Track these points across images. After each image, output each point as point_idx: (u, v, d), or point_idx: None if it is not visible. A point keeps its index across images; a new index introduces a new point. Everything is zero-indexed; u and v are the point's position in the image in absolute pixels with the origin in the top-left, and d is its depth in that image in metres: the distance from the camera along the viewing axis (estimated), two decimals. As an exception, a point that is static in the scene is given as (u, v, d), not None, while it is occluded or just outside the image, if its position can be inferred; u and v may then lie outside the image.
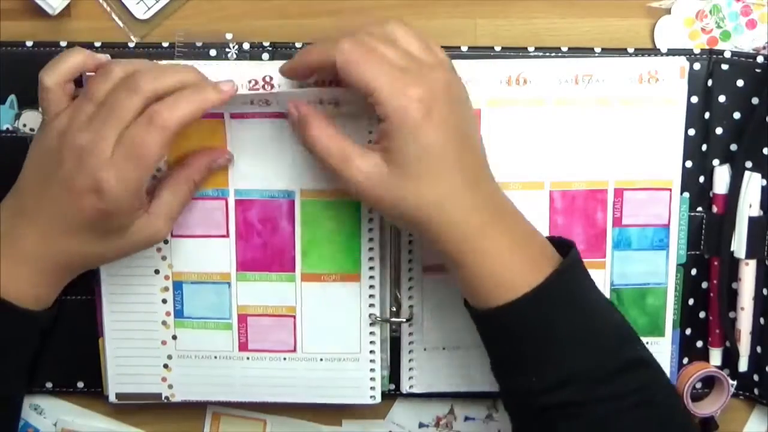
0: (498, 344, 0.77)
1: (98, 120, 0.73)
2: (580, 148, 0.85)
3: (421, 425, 0.93)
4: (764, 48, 0.88)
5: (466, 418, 0.93)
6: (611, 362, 0.73)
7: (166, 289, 0.86)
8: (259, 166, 0.83)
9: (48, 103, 0.76)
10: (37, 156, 0.77)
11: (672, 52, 0.86)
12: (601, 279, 0.87)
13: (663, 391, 0.76)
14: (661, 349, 0.88)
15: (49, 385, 0.90)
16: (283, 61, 0.82)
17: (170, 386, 0.88)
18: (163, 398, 0.88)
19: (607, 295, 0.87)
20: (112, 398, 0.88)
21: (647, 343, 0.85)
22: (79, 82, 0.78)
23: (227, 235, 0.85)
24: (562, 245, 0.77)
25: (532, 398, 0.74)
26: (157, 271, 0.85)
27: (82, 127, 0.73)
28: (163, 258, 0.85)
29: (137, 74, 0.74)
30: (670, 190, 0.86)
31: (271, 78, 0.82)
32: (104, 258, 0.80)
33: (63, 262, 0.77)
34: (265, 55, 0.85)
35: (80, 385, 0.90)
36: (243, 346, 0.86)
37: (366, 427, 0.93)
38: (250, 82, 0.82)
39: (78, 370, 0.89)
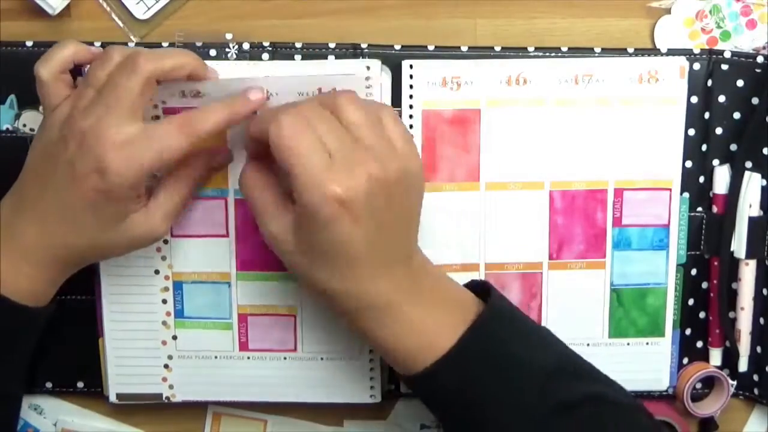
0: (431, 407, 0.78)
1: (100, 103, 0.73)
2: (580, 148, 0.85)
3: (422, 427, 0.93)
4: (764, 48, 0.88)
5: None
6: (540, 410, 0.72)
7: (166, 289, 0.86)
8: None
9: (46, 96, 0.76)
10: (39, 148, 0.76)
11: (672, 52, 0.86)
12: (601, 279, 0.87)
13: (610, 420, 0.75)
14: (661, 350, 0.88)
15: (49, 385, 0.90)
16: (284, 61, 0.83)
17: (171, 386, 0.87)
18: (163, 398, 0.88)
19: (607, 295, 0.87)
20: (112, 399, 0.88)
21: (647, 343, 0.86)
22: (79, 72, 0.78)
23: (227, 235, 0.85)
24: (484, 290, 0.77)
25: None
26: (157, 272, 0.85)
27: (84, 111, 0.73)
28: (163, 258, 0.85)
29: (136, 55, 0.73)
30: (670, 190, 0.86)
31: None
32: (102, 252, 0.79)
33: (61, 255, 0.76)
34: (265, 55, 0.85)
35: (80, 385, 0.90)
36: (243, 346, 0.86)
37: (368, 428, 0.93)
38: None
39: (78, 370, 0.89)
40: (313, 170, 0.68)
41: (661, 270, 0.87)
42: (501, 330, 0.75)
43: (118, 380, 0.88)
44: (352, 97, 0.73)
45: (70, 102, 0.75)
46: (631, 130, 0.84)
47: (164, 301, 0.86)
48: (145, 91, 0.73)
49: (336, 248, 0.70)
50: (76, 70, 0.78)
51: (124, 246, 0.78)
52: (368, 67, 0.81)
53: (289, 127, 0.69)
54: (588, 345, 0.88)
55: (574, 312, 0.87)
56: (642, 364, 0.88)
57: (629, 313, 0.87)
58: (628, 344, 0.88)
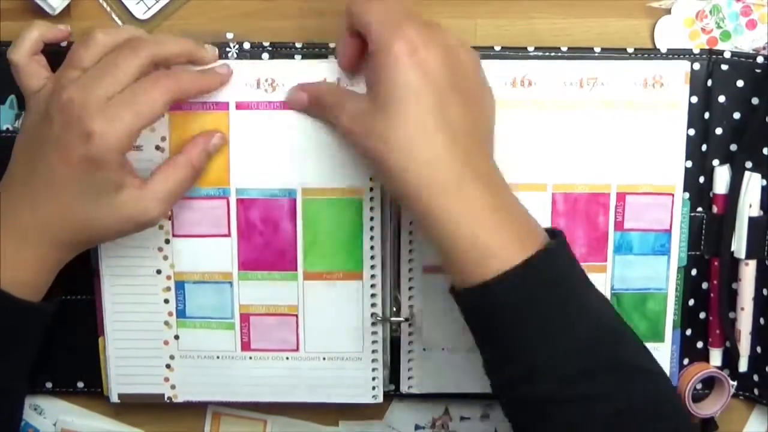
0: (480, 329, 0.73)
1: (90, 77, 0.73)
2: (583, 151, 0.85)
3: (417, 427, 0.93)
4: (764, 48, 0.88)
5: (462, 418, 0.93)
6: (585, 360, 0.69)
7: (168, 289, 0.85)
8: (261, 163, 0.83)
9: (24, 78, 0.78)
10: (25, 131, 0.77)
11: (672, 52, 0.86)
12: (602, 283, 0.87)
13: (652, 402, 0.71)
14: (661, 354, 0.88)
15: (49, 385, 0.90)
16: (284, 60, 0.83)
17: (173, 386, 0.87)
18: (165, 398, 0.88)
19: (608, 299, 0.87)
20: (114, 399, 0.88)
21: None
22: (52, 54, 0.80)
23: (229, 235, 0.85)
24: (550, 234, 0.73)
25: (514, 390, 0.71)
26: (159, 271, 0.85)
27: (69, 86, 0.73)
28: (165, 258, 0.85)
29: (138, 39, 0.75)
30: (673, 195, 0.86)
31: (273, 80, 0.82)
32: (95, 232, 0.76)
33: (54, 235, 0.75)
34: (265, 55, 0.85)
35: (80, 385, 0.90)
36: (245, 346, 0.86)
37: (364, 428, 0.93)
38: (250, 83, 0.82)
39: (78, 370, 0.89)
40: (388, 14, 0.70)
41: (661, 275, 0.87)
42: (569, 266, 0.73)
43: (120, 380, 0.88)
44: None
45: (53, 81, 0.76)
46: (634, 134, 0.84)
47: (166, 301, 0.86)
48: (143, 74, 0.73)
49: (403, 90, 0.69)
50: (50, 55, 0.80)
51: (116, 225, 0.76)
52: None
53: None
54: (587, 347, 0.88)
55: (574, 314, 0.87)
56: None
57: (629, 317, 0.87)
58: (628, 347, 0.88)
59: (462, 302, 0.73)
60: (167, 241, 0.85)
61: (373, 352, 0.86)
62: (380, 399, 0.88)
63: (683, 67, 0.85)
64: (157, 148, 0.83)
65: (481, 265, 0.69)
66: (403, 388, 0.89)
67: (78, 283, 0.85)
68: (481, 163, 0.72)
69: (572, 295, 0.71)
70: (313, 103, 0.80)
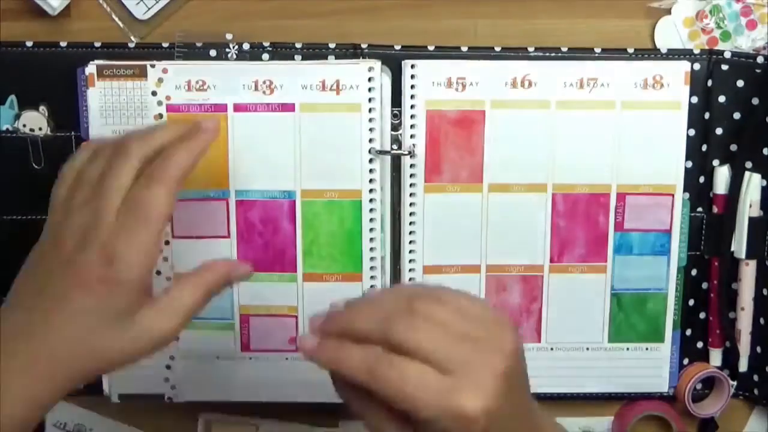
0: None
1: (98, 198, 0.69)
2: (583, 151, 0.85)
3: (417, 427, 0.93)
4: (764, 48, 0.88)
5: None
6: None
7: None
8: (260, 165, 0.84)
9: (58, 190, 0.73)
10: (33, 256, 0.71)
11: (672, 53, 0.86)
12: (602, 283, 0.87)
13: None
14: (661, 355, 0.88)
15: (49, 385, 0.90)
16: (284, 61, 0.83)
17: (173, 387, 0.87)
18: (165, 398, 0.88)
19: (608, 299, 0.87)
20: (114, 399, 0.88)
21: (647, 348, 0.86)
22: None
23: (228, 236, 0.85)
24: None
25: None
26: (158, 272, 0.85)
27: (80, 208, 0.69)
28: (165, 259, 0.85)
29: (126, 141, 0.70)
30: (673, 195, 0.86)
31: (271, 82, 0.82)
32: (110, 355, 0.69)
33: (66, 366, 0.68)
34: (265, 56, 0.85)
35: (80, 385, 0.90)
36: (245, 347, 0.87)
37: (364, 429, 0.93)
38: (248, 85, 0.83)
39: (78, 371, 0.89)
40: (429, 392, 0.60)
41: (661, 275, 0.87)
42: None
43: (120, 380, 0.88)
44: (428, 296, 0.64)
45: (64, 202, 0.71)
46: (634, 134, 0.85)
47: (166, 302, 0.86)
48: (171, 204, 0.68)
49: None
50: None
51: (131, 350, 0.69)
52: (371, 68, 0.81)
53: (394, 367, 0.61)
54: (587, 349, 0.88)
55: (574, 315, 0.88)
56: (641, 369, 0.88)
57: (629, 317, 0.87)
58: (628, 349, 0.88)
59: None
60: (167, 243, 0.85)
61: (373, 352, 0.86)
62: (379, 399, 0.88)
63: (683, 67, 0.85)
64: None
65: None
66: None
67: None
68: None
69: None
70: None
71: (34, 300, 0.69)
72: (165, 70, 0.83)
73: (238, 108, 0.83)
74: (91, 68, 0.83)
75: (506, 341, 0.62)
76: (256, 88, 0.83)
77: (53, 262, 0.68)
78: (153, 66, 0.83)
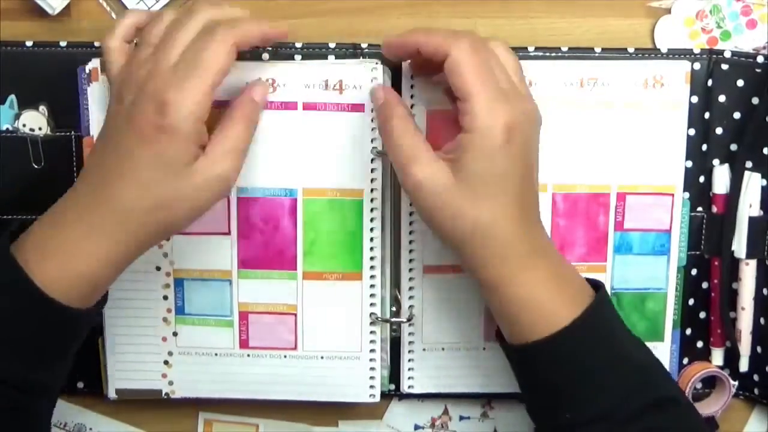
0: (534, 379, 0.77)
1: (159, 51, 0.72)
2: (583, 151, 0.85)
3: (416, 427, 0.93)
4: (764, 48, 0.88)
5: (461, 418, 0.93)
6: (641, 399, 0.73)
7: (167, 285, 0.86)
8: (262, 162, 0.84)
9: (111, 65, 0.76)
10: (105, 119, 0.75)
11: (672, 52, 0.86)
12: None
13: (692, 428, 0.77)
14: (660, 354, 0.87)
15: (49, 385, 0.90)
16: (284, 62, 0.83)
17: (170, 383, 0.87)
18: (163, 395, 0.88)
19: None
20: (111, 394, 0.88)
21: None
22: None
23: (229, 233, 0.85)
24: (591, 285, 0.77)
25: None
26: (158, 268, 0.85)
27: (138, 63, 0.73)
28: (165, 255, 0.85)
29: (194, 4, 0.74)
30: (673, 195, 0.86)
31: (273, 80, 0.82)
32: (176, 209, 0.72)
33: (134, 222, 0.71)
34: (265, 55, 0.85)
35: (80, 385, 0.90)
36: (244, 344, 0.86)
37: (363, 428, 0.93)
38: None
39: (78, 370, 0.88)
40: (491, 96, 0.71)
41: (661, 275, 0.87)
42: (612, 318, 0.77)
43: (118, 376, 0.88)
44: (505, 44, 0.77)
45: (127, 61, 0.75)
46: (634, 134, 0.84)
47: (165, 298, 0.86)
48: (227, 61, 0.72)
49: (497, 176, 0.71)
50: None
51: (195, 200, 0.72)
52: (374, 68, 0.82)
53: (472, 52, 0.72)
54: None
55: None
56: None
57: (629, 317, 0.87)
58: (627, 347, 0.88)
59: (516, 356, 0.77)
60: (167, 238, 0.85)
61: (371, 351, 0.86)
62: (378, 398, 0.88)
63: (683, 67, 0.85)
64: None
65: (539, 323, 0.73)
66: (404, 388, 0.89)
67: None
68: (542, 237, 0.76)
69: (617, 342, 0.76)
70: (382, 117, 0.77)
71: (103, 158, 0.72)
72: (167, 68, 0.83)
73: None
74: (94, 63, 0.83)
75: (536, 109, 0.75)
76: None
77: (117, 119, 0.72)
78: (155, 63, 0.83)
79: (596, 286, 0.77)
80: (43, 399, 0.76)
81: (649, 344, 0.77)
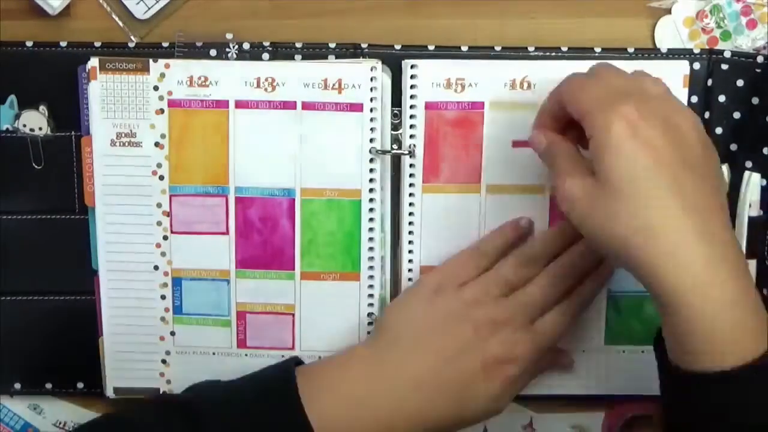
0: (693, 413, 0.68)
1: (511, 302, 0.81)
2: (583, 151, 0.84)
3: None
4: (764, 48, 0.88)
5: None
6: None
7: (165, 285, 0.86)
8: (260, 162, 0.84)
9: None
10: (429, 313, 0.81)
11: (672, 52, 0.86)
12: (600, 286, 0.87)
13: None
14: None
15: (49, 385, 0.89)
16: (284, 61, 0.82)
17: (168, 381, 0.88)
18: (160, 393, 0.88)
19: (605, 301, 0.87)
20: (109, 393, 0.88)
21: (643, 351, 0.86)
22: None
23: (227, 233, 0.85)
24: None
25: None
26: (156, 267, 0.85)
27: (492, 303, 0.80)
28: (163, 254, 0.85)
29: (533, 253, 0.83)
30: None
31: (273, 79, 0.82)
32: (444, 426, 0.79)
33: (403, 425, 0.78)
34: (265, 55, 0.85)
35: (80, 385, 0.90)
36: (241, 343, 0.87)
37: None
38: (250, 82, 0.83)
39: (78, 370, 0.89)
40: (602, 96, 0.69)
41: (660, 278, 0.87)
42: None
43: (116, 374, 0.88)
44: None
45: (479, 290, 0.81)
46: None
47: (163, 297, 0.86)
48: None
49: (635, 172, 0.66)
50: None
51: (467, 419, 0.80)
52: (373, 68, 0.82)
53: (579, 77, 0.73)
54: (583, 351, 0.88)
55: (571, 318, 0.87)
56: (637, 372, 0.88)
57: (626, 320, 0.87)
58: (624, 351, 0.88)
59: (677, 381, 0.69)
60: (165, 238, 0.85)
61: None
62: (377, 398, 0.88)
63: (683, 67, 0.85)
64: (156, 144, 0.84)
65: (715, 353, 0.65)
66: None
67: (78, 283, 0.86)
68: (726, 239, 0.68)
69: None
70: (546, 153, 0.76)
71: (422, 358, 0.79)
72: (167, 65, 0.83)
73: (239, 105, 0.83)
74: (93, 61, 0.83)
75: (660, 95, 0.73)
76: (258, 86, 0.83)
77: (463, 336, 0.79)
78: (155, 61, 0.83)
79: None
80: None
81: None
